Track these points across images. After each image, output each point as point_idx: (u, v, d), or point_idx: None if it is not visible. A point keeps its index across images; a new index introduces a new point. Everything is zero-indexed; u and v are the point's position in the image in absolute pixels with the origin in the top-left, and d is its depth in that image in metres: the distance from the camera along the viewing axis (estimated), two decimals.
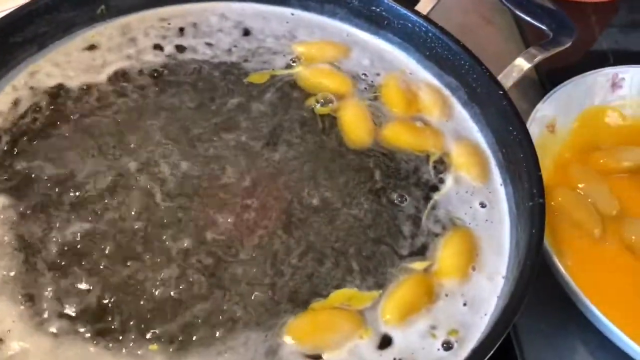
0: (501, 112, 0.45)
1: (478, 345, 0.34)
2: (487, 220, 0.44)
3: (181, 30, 0.52)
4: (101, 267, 0.38)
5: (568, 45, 0.48)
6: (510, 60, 0.50)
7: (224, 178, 0.43)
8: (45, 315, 0.36)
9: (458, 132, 0.49)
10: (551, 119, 0.52)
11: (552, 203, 0.49)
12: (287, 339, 0.37)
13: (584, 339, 0.48)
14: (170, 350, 0.35)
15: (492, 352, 0.33)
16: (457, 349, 0.37)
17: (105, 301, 0.37)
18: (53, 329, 0.36)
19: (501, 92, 0.46)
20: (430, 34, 0.50)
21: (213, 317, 0.37)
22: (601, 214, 0.49)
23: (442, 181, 0.45)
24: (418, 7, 0.53)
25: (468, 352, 0.36)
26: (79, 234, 0.39)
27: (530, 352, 0.46)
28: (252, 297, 0.38)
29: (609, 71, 0.54)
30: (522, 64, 0.48)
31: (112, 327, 0.36)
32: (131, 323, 0.36)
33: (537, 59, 0.47)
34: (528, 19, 0.50)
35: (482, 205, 0.44)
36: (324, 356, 0.36)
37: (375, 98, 0.50)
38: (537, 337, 0.47)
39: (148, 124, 0.45)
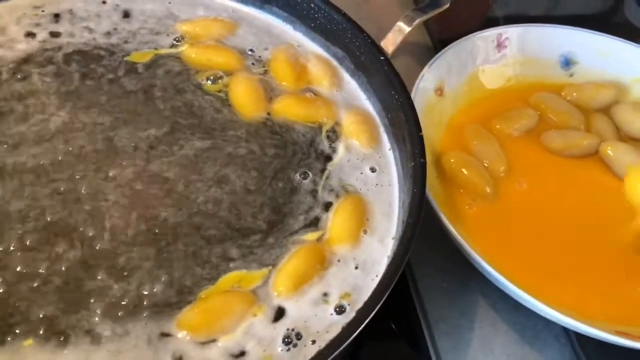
0: (384, 77, 0.46)
1: (362, 306, 0.35)
2: (377, 184, 0.44)
3: (56, 16, 0.49)
4: None
5: (446, 7, 0.49)
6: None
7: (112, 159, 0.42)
8: None
9: (348, 101, 0.49)
10: (438, 82, 0.53)
11: (445, 166, 0.50)
12: (178, 333, 0.35)
13: (484, 293, 0.49)
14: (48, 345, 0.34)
15: (375, 311, 0.34)
16: (350, 311, 0.37)
17: None
18: None
19: (382, 58, 0.46)
20: (313, 5, 0.50)
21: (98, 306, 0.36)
22: (491, 173, 0.51)
23: (334, 150, 0.46)
24: None
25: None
26: None
27: (432, 309, 0.48)
28: (137, 289, 0.37)
29: (493, 32, 0.56)
30: (402, 28, 0.48)
31: None
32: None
33: (416, 22, 0.48)
34: None
35: (372, 170, 0.45)
36: (219, 341, 0.35)
37: (265, 73, 0.49)
38: (439, 294, 0.49)
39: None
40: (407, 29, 0.48)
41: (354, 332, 0.33)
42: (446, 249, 0.47)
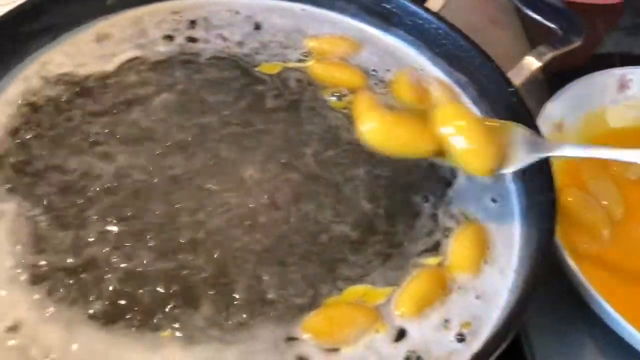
0: (511, 109, 0.46)
1: (491, 337, 0.35)
2: (498, 215, 0.44)
3: (192, 23, 0.52)
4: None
5: (578, 44, 0.48)
6: (516, 60, 0.50)
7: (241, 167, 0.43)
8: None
9: None
10: (559, 118, 0.52)
11: (563, 203, 0.49)
12: (304, 335, 0.36)
13: (593, 335, 0.48)
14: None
15: (504, 344, 0.33)
16: (470, 340, 0.37)
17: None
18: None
19: (511, 90, 0.46)
20: (440, 31, 0.50)
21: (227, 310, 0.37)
22: (608, 215, 0.49)
23: (454, 176, 0.46)
24: (427, 5, 0.53)
25: (481, 343, 0.36)
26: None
27: (539, 347, 0.47)
28: (267, 293, 0.38)
29: (616, 72, 0.55)
30: (531, 62, 0.48)
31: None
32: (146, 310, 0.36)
33: (547, 57, 0.47)
34: (538, 17, 0.51)
35: (494, 200, 0.45)
36: (342, 350, 0.36)
37: (387, 94, 0.50)
38: (546, 333, 0.48)
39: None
40: (537, 64, 0.47)
41: None
42: (554, 288, 0.46)
